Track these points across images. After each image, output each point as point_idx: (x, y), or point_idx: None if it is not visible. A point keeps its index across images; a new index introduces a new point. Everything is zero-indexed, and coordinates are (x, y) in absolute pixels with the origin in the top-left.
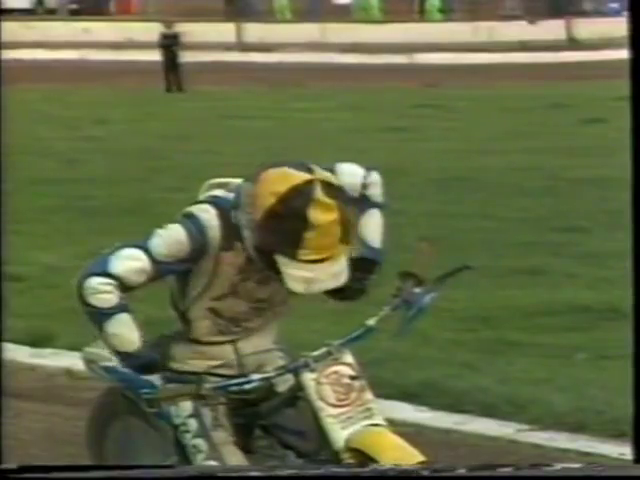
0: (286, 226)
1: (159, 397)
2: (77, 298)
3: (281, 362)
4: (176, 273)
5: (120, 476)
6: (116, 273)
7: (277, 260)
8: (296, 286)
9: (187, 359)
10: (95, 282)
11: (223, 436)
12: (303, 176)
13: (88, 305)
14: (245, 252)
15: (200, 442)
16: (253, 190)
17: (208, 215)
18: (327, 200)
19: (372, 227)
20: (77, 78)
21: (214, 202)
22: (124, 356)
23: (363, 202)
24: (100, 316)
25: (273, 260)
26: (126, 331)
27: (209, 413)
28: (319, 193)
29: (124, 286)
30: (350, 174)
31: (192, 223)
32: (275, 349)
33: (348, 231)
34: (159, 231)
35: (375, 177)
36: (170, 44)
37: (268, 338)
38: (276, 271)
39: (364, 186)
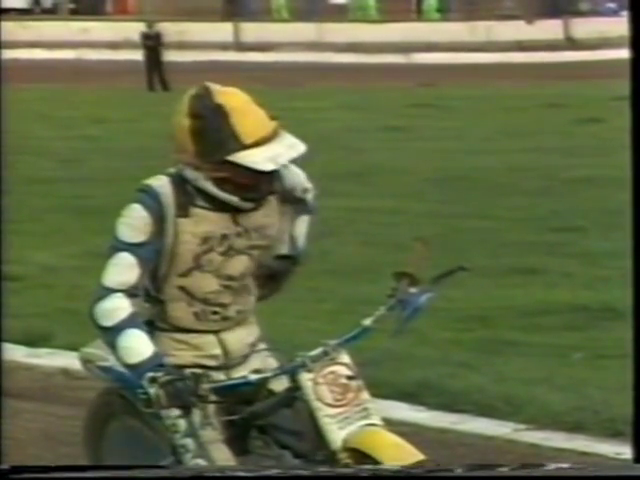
0: (212, 128)
1: (156, 400)
2: (95, 328)
3: (270, 360)
4: (158, 251)
5: (116, 476)
6: (112, 285)
7: (235, 160)
8: (267, 165)
9: (171, 350)
10: (101, 306)
11: (212, 435)
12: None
13: (101, 328)
14: (203, 220)
15: (188, 442)
16: (176, 141)
17: (160, 182)
18: (228, 88)
19: (302, 230)
20: (74, 78)
21: (166, 173)
22: (132, 368)
23: (300, 205)
24: (112, 333)
25: (237, 170)
26: (136, 344)
27: (198, 412)
28: (217, 87)
29: (129, 291)
30: (295, 173)
31: (145, 194)
32: (262, 347)
33: (267, 111)
34: (120, 220)
35: (311, 185)
36: (152, 44)
37: (251, 332)
38: (256, 188)
39: (304, 190)
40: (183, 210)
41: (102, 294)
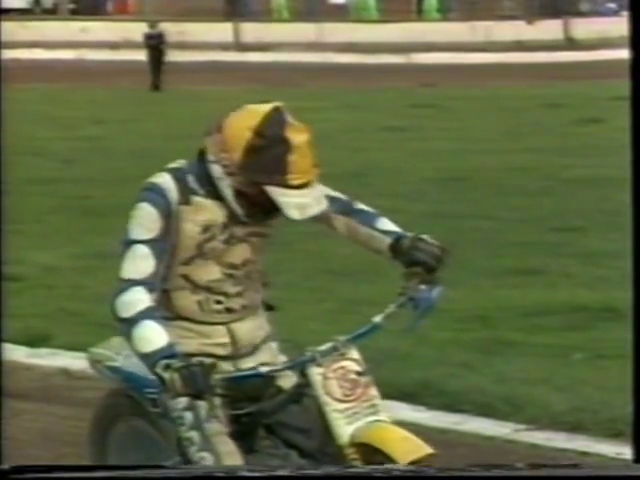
0: (269, 154)
1: (171, 385)
2: (115, 321)
3: (281, 356)
4: (171, 244)
5: (120, 476)
6: (129, 276)
7: (269, 192)
8: (293, 213)
9: (179, 338)
10: (121, 298)
11: (216, 427)
12: (269, 105)
13: (120, 320)
14: (205, 210)
15: (194, 434)
16: (221, 137)
17: (163, 179)
18: (297, 122)
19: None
20: (74, 78)
21: (166, 169)
22: (145, 357)
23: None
24: (129, 324)
25: (263, 195)
26: (151, 335)
27: (204, 405)
28: (289, 117)
29: (147, 284)
30: None
31: (151, 191)
32: (273, 342)
33: (315, 153)
34: (130, 220)
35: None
36: (155, 44)
37: (261, 325)
38: (263, 211)
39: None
40: (184, 198)
41: (122, 287)
